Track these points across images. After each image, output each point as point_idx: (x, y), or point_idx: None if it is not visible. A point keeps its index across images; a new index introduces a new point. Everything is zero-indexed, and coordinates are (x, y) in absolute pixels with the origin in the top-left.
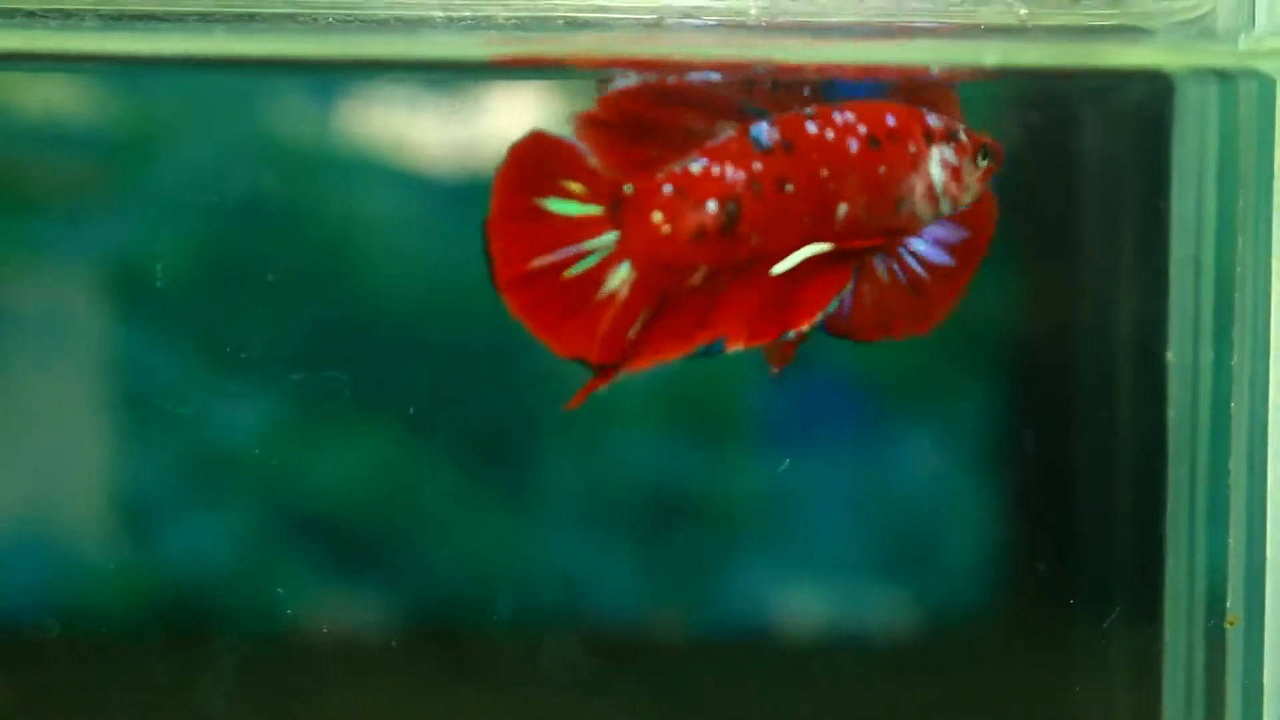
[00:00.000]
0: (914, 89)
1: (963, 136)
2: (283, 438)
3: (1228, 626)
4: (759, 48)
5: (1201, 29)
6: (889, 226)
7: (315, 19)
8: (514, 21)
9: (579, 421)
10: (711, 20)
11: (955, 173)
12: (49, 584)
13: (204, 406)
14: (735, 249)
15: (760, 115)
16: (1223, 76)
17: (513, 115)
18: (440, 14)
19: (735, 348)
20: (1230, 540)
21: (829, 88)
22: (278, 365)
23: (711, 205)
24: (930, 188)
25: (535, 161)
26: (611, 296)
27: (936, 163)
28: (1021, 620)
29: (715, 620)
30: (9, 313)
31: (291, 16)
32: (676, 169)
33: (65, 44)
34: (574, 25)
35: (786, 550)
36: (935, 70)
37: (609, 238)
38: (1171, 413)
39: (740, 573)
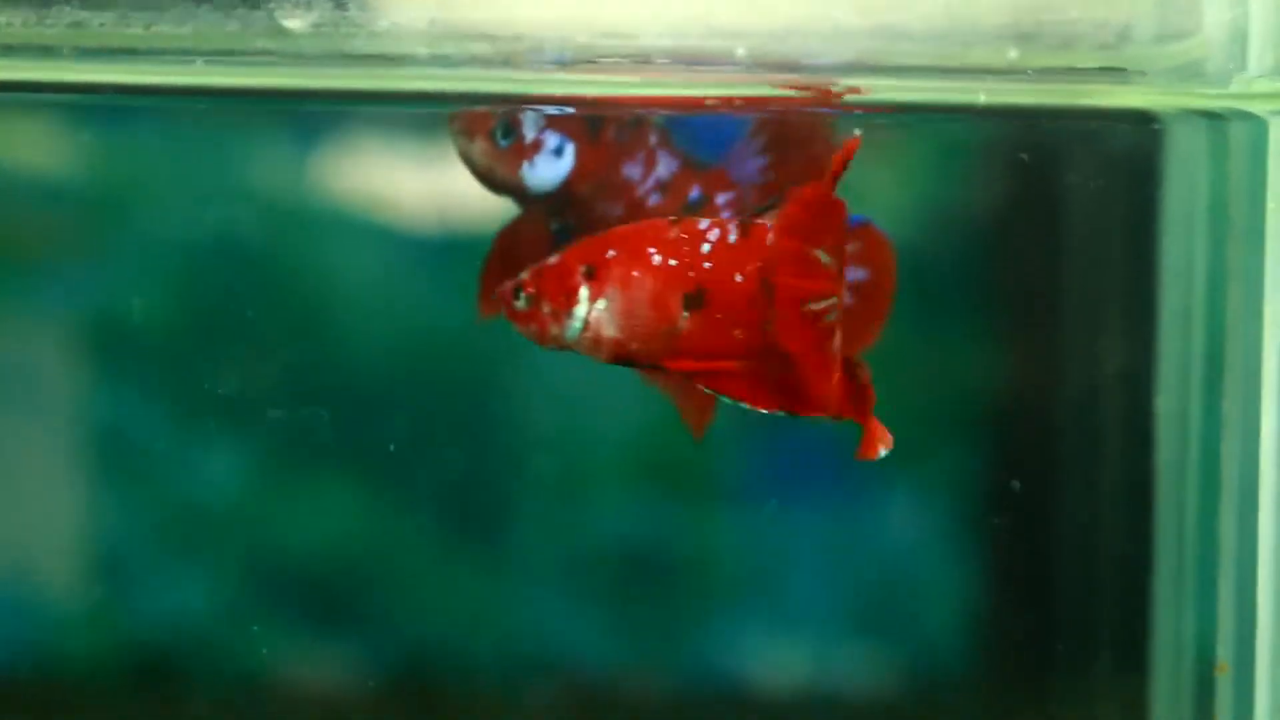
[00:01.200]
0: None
1: None
2: (258, 490)
3: (1218, 674)
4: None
5: (1193, 72)
6: None
7: (296, 53)
8: (500, 59)
9: (557, 477)
10: (701, 59)
11: None
12: (22, 634)
13: (179, 459)
14: None
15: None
16: (1213, 118)
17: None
18: (424, 50)
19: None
20: (1220, 591)
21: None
22: (254, 418)
23: None
24: None
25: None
26: None
27: None
28: (1005, 678)
29: (692, 678)
30: None
31: (271, 51)
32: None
33: (43, 74)
34: (561, 64)
35: (764, 608)
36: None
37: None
38: (1160, 461)
39: (718, 630)
